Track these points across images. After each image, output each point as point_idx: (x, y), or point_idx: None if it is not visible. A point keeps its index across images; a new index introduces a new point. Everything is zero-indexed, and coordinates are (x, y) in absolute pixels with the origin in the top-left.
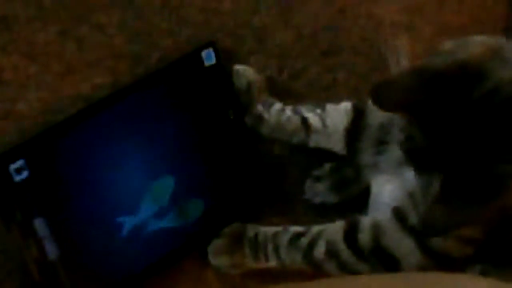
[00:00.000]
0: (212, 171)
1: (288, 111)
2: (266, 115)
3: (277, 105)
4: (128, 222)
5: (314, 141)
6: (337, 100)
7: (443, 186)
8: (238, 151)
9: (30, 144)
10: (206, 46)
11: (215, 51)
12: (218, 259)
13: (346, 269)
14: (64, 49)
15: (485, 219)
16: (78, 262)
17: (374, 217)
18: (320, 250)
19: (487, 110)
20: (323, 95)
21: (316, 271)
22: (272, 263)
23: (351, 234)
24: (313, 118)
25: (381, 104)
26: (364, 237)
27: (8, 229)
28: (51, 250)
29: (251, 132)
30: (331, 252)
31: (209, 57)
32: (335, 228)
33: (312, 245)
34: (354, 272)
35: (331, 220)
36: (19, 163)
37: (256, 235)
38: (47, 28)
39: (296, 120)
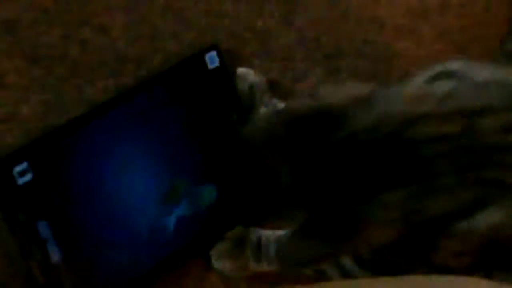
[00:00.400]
0: (215, 174)
1: None
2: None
3: (280, 107)
4: (132, 224)
5: None
6: None
7: (305, 223)
8: (241, 154)
9: (34, 147)
10: (209, 49)
11: (219, 54)
12: (221, 262)
13: (348, 277)
14: (67, 52)
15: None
16: (81, 265)
17: None
18: None
19: (344, 154)
20: None
21: (319, 276)
22: (275, 266)
23: None
24: None
25: (250, 145)
26: None
27: (11, 232)
28: (54, 253)
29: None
30: (334, 260)
31: (212, 60)
32: None
33: None
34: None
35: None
36: (23, 166)
37: (259, 238)
38: (50, 31)
39: None
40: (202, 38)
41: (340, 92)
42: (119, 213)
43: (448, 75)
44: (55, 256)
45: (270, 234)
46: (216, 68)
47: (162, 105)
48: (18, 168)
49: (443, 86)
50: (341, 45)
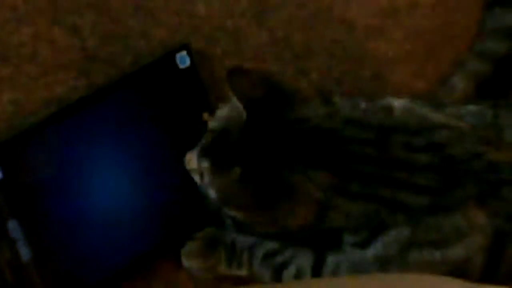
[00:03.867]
0: (185, 174)
1: None
2: None
3: None
4: (102, 224)
5: None
6: None
7: (242, 175)
8: None
9: (3, 146)
10: (180, 49)
11: (189, 54)
12: (191, 261)
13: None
14: (37, 51)
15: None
16: (51, 265)
17: (339, 258)
18: (289, 273)
19: (293, 131)
20: None
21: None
22: (244, 272)
23: (317, 267)
24: None
25: (234, 89)
26: (326, 274)
27: None
28: (24, 253)
29: None
30: (299, 278)
31: (183, 60)
32: (306, 256)
33: (283, 266)
34: None
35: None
36: None
37: (233, 242)
38: (20, 30)
39: None
40: (173, 38)
41: None
42: (89, 213)
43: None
44: (24, 255)
45: (245, 240)
46: (187, 68)
47: (133, 104)
48: None
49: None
50: (311, 45)
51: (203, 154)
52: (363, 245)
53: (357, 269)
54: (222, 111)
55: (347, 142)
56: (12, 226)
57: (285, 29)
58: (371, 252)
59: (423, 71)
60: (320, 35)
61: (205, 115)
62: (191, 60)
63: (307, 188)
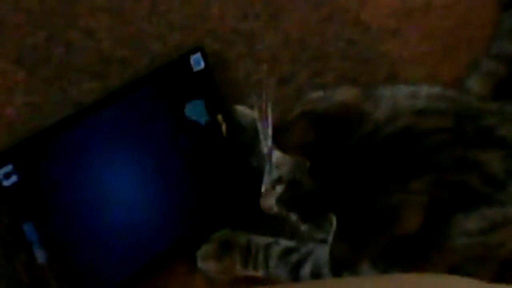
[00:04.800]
0: (201, 176)
1: None
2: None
3: None
4: (118, 226)
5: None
6: None
7: (339, 224)
8: (228, 155)
9: (19, 149)
10: (194, 51)
11: (204, 56)
12: (206, 264)
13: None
14: (52, 54)
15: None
16: (67, 267)
17: None
18: (306, 270)
19: (369, 149)
20: None
21: None
22: (260, 272)
23: None
24: None
25: (282, 148)
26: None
27: None
28: (40, 255)
29: (240, 137)
30: (316, 275)
31: (197, 62)
32: (323, 252)
33: (300, 263)
34: None
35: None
36: (8, 168)
37: (248, 243)
38: (35, 33)
39: None
40: (187, 40)
41: (337, 93)
42: (105, 214)
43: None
44: (40, 257)
45: (260, 240)
46: (201, 70)
47: (147, 106)
48: (3, 170)
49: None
50: (326, 46)
51: (288, 208)
52: None
53: None
54: (280, 160)
55: (425, 135)
56: (28, 228)
57: (300, 31)
58: None
59: (439, 72)
60: (335, 37)
61: (219, 117)
62: (206, 62)
63: (409, 203)
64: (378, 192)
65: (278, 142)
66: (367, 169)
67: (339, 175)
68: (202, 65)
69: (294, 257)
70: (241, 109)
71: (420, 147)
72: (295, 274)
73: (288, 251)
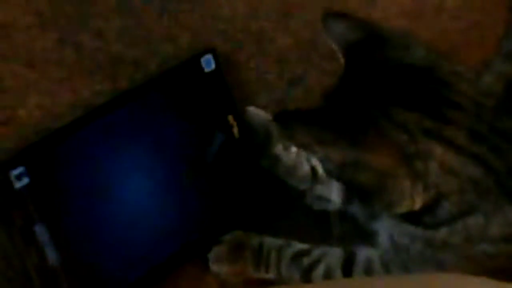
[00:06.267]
0: (212, 177)
1: (302, 157)
2: (284, 157)
3: (293, 149)
4: (129, 228)
5: (317, 191)
6: None
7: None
8: (238, 156)
9: (30, 150)
10: (205, 52)
11: (215, 57)
12: (218, 266)
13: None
14: (63, 55)
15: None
16: (78, 268)
17: (370, 252)
18: (318, 273)
19: (382, 68)
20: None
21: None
22: (271, 274)
23: (348, 265)
24: (320, 168)
25: (333, 34)
26: (358, 270)
27: (8, 235)
28: (52, 256)
29: (251, 138)
30: (328, 278)
31: (208, 63)
32: (335, 255)
33: (312, 266)
34: None
35: (330, 229)
36: (20, 170)
37: (260, 245)
38: (46, 35)
39: (306, 167)
40: (198, 41)
41: None
42: (116, 216)
43: None
44: (52, 259)
45: (272, 242)
46: (212, 71)
47: (158, 108)
48: (15, 172)
49: None
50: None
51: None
52: (438, 225)
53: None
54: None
55: (451, 91)
56: (40, 230)
57: (310, 31)
58: (443, 232)
59: None
60: None
61: (230, 118)
62: (216, 64)
63: (386, 130)
64: (377, 107)
65: (330, 28)
66: (380, 85)
67: (361, 81)
68: (213, 66)
69: (307, 260)
70: (253, 110)
71: (432, 90)
72: (307, 276)
73: (300, 254)
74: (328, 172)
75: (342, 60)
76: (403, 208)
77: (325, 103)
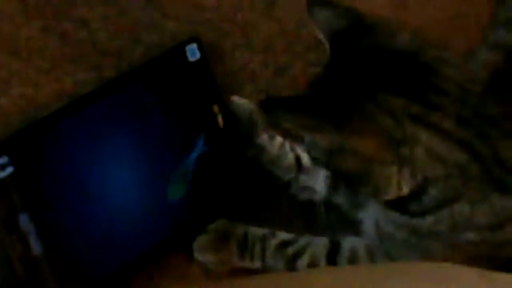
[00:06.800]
0: (196, 166)
1: (286, 147)
2: (269, 147)
3: (278, 139)
4: (113, 218)
5: (301, 181)
6: None
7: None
8: (223, 145)
9: (14, 140)
10: (190, 41)
11: (199, 46)
12: (203, 255)
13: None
14: (47, 44)
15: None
16: (62, 258)
17: (355, 241)
18: (303, 263)
19: (366, 55)
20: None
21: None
22: (256, 264)
23: (332, 254)
24: (305, 157)
25: (319, 21)
26: (343, 260)
27: None
28: (36, 246)
29: (236, 128)
30: (313, 267)
31: (193, 52)
32: (320, 244)
33: (297, 255)
34: None
35: (315, 218)
36: (3, 159)
37: (245, 234)
38: (30, 23)
39: (291, 157)
40: (183, 31)
41: None
42: (100, 206)
43: None
44: (35, 249)
45: (257, 231)
46: (197, 60)
47: (143, 97)
48: None
49: None
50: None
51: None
52: (423, 213)
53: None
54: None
55: (438, 76)
56: (24, 219)
57: (295, 21)
58: (429, 220)
59: None
60: None
61: (215, 108)
62: (201, 53)
63: (372, 115)
64: (364, 93)
65: (316, 15)
66: (366, 71)
67: (347, 68)
68: (198, 55)
69: (291, 249)
70: (238, 99)
71: (419, 76)
72: (292, 266)
73: (285, 243)
74: (315, 160)
75: (327, 48)
76: (390, 194)
77: (311, 90)
